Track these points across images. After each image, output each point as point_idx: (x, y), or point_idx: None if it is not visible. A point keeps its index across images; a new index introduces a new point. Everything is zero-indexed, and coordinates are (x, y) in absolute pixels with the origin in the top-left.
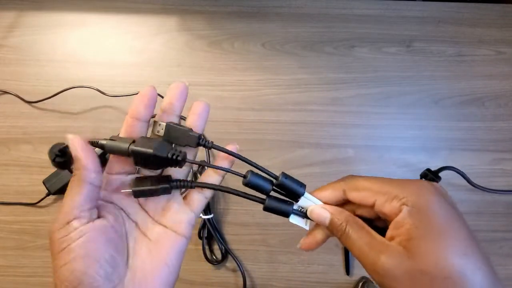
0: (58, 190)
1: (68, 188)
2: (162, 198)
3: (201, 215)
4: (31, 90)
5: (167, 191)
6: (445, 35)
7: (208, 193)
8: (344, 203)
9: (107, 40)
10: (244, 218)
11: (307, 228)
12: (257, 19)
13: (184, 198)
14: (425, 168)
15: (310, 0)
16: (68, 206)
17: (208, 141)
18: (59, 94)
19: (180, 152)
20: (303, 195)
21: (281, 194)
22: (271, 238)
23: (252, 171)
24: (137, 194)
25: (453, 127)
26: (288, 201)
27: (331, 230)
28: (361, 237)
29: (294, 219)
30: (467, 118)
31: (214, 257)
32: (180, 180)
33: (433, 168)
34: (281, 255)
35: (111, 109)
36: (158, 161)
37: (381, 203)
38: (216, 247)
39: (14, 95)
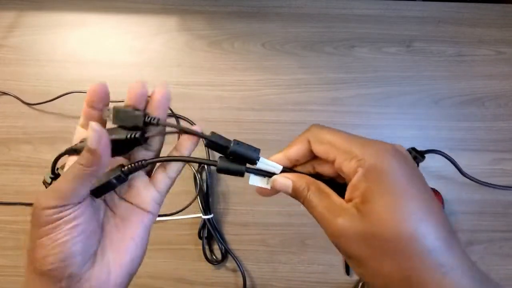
0: None
1: (73, 172)
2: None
3: (201, 215)
4: (31, 90)
5: (121, 179)
6: (445, 35)
7: (172, 173)
8: (313, 159)
9: (107, 40)
10: (244, 218)
11: (268, 187)
12: (257, 19)
13: (151, 178)
14: (423, 168)
15: (310, 0)
16: (68, 190)
17: (154, 117)
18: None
19: (139, 130)
20: (258, 160)
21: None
22: (271, 238)
23: (214, 134)
24: (95, 193)
25: (453, 127)
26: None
27: (295, 196)
28: (321, 200)
29: (254, 180)
30: (467, 118)
31: (214, 257)
32: (132, 163)
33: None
34: (281, 255)
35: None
36: (120, 145)
37: (340, 162)
38: (216, 247)
39: (13, 96)
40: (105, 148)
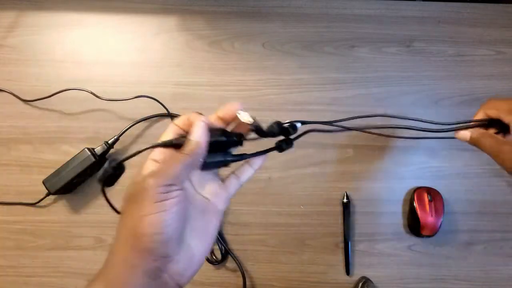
0: (58, 190)
1: (179, 159)
2: (206, 175)
3: None
4: (30, 90)
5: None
6: (445, 35)
7: (243, 179)
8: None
9: (107, 40)
10: (244, 218)
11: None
12: (257, 19)
13: (223, 182)
14: (423, 168)
15: (310, 0)
16: (177, 172)
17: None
18: (58, 94)
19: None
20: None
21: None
22: (271, 238)
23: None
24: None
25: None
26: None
27: (472, 143)
28: (489, 140)
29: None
30: (467, 118)
31: (214, 257)
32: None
33: None
34: (281, 255)
35: (111, 109)
36: (218, 145)
37: (503, 117)
38: (216, 247)
39: (9, 93)
40: (206, 143)
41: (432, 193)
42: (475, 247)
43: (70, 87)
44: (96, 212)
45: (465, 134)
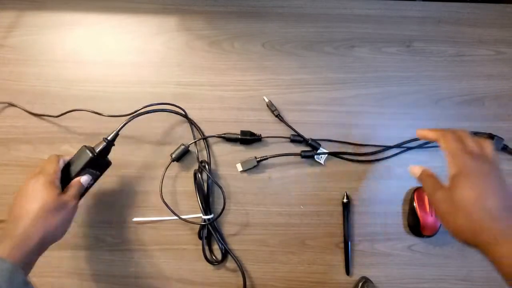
0: None
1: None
2: None
3: (201, 215)
4: (30, 90)
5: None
6: (445, 35)
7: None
8: None
9: (107, 40)
10: (244, 218)
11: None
12: (257, 19)
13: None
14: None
15: (310, 0)
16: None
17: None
18: (58, 93)
19: None
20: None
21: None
22: (271, 238)
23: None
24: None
25: (453, 127)
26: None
27: (418, 179)
28: (429, 181)
29: None
30: (467, 118)
31: (214, 257)
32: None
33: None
34: (281, 255)
35: (110, 110)
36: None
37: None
38: (216, 247)
39: (20, 108)
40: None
41: None
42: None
43: (71, 89)
44: (96, 212)
45: (416, 170)
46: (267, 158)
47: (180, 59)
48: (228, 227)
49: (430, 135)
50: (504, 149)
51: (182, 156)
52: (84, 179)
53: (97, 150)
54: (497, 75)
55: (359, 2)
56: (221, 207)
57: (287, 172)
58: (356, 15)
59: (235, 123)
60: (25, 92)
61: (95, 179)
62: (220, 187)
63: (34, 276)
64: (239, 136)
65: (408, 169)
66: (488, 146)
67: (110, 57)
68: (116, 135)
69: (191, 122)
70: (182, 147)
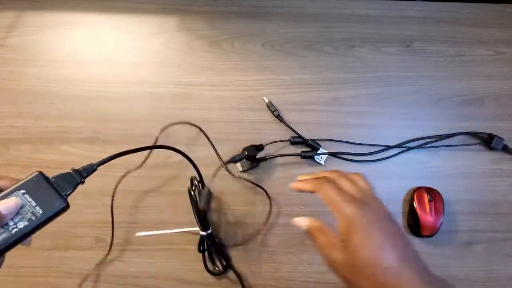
0: None
1: None
2: None
3: (199, 231)
4: (30, 90)
5: None
6: (445, 35)
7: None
8: None
9: (107, 40)
10: (244, 218)
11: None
12: (257, 19)
13: None
14: (423, 168)
15: (310, 0)
16: None
17: None
18: (58, 93)
19: None
20: None
21: None
22: (271, 238)
23: None
24: None
25: (453, 127)
26: None
27: (307, 233)
28: (323, 238)
29: None
30: (467, 118)
31: (216, 268)
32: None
33: (435, 168)
34: (281, 255)
35: (110, 109)
36: None
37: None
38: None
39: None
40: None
41: (432, 193)
42: (475, 247)
43: (71, 89)
44: (96, 212)
45: (302, 221)
46: (267, 159)
47: (180, 59)
48: (228, 227)
49: (306, 187)
50: (504, 149)
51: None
52: (9, 201)
53: (54, 175)
54: (497, 75)
55: (359, 2)
56: (221, 207)
57: (287, 172)
58: (356, 15)
59: (235, 123)
60: (25, 92)
61: (30, 219)
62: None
63: (34, 276)
64: (246, 154)
65: (292, 221)
66: (361, 180)
67: (110, 57)
68: (90, 172)
69: (192, 163)
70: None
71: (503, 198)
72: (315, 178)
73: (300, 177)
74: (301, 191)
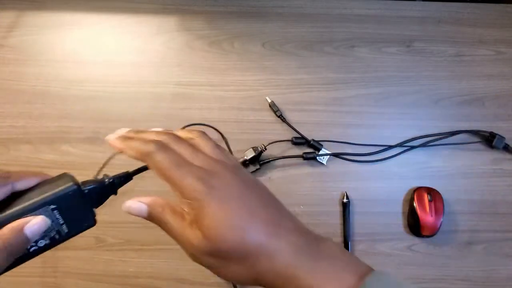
0: None
1: None
2: None
3: None
4: (30, 90)
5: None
6: (445, 35)
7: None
8: None
9: (107, 40)
10: None
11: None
12: (257, 19)
13: None
14: (423, 168)
15: (310, 0)
16: None
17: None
18: (58, 93)
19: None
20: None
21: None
22: None
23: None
24: None
25: (453, 127)
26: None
27: (151, 220)
28: (176, 222)
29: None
30: (467, 118)
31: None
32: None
33: (435, 168)
34: None
35: (110, 109)
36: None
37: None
38: None
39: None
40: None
41: (432, 193)
42: (475, 247)
43: (71, 89)
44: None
45: (138, 205)
46: (269, 161)
47: (180, 59)
48: None
49: (129, 152)
50: (506, 148)
51: None
52: (37, 223)
53: (89, 186)
54: (497, 75)
55: (359, 2)
56: None
57: (287, 172)
58: (356, 15)
59: (235, 123)
60: (25, 92)
61: (53, 238)
62: None
63: (34, 276)
64: (248, 158)
65: (125, 207)
66: (203, 141)
67: (110, 57)
68: (125, 182)
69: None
70: None
71: (503, 198)
72: (143, 141)
73: (119, 131)
74: (121, 153)
